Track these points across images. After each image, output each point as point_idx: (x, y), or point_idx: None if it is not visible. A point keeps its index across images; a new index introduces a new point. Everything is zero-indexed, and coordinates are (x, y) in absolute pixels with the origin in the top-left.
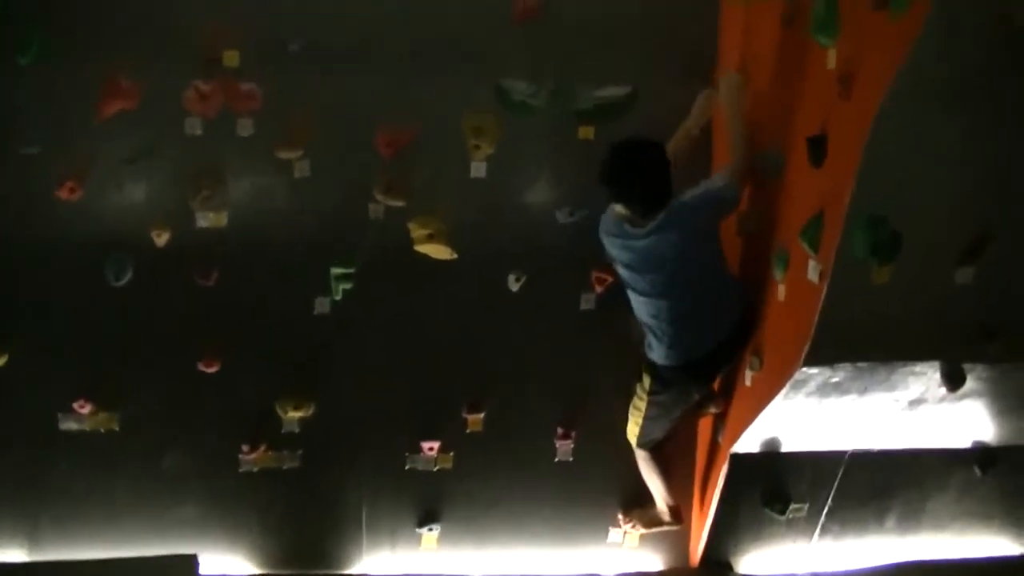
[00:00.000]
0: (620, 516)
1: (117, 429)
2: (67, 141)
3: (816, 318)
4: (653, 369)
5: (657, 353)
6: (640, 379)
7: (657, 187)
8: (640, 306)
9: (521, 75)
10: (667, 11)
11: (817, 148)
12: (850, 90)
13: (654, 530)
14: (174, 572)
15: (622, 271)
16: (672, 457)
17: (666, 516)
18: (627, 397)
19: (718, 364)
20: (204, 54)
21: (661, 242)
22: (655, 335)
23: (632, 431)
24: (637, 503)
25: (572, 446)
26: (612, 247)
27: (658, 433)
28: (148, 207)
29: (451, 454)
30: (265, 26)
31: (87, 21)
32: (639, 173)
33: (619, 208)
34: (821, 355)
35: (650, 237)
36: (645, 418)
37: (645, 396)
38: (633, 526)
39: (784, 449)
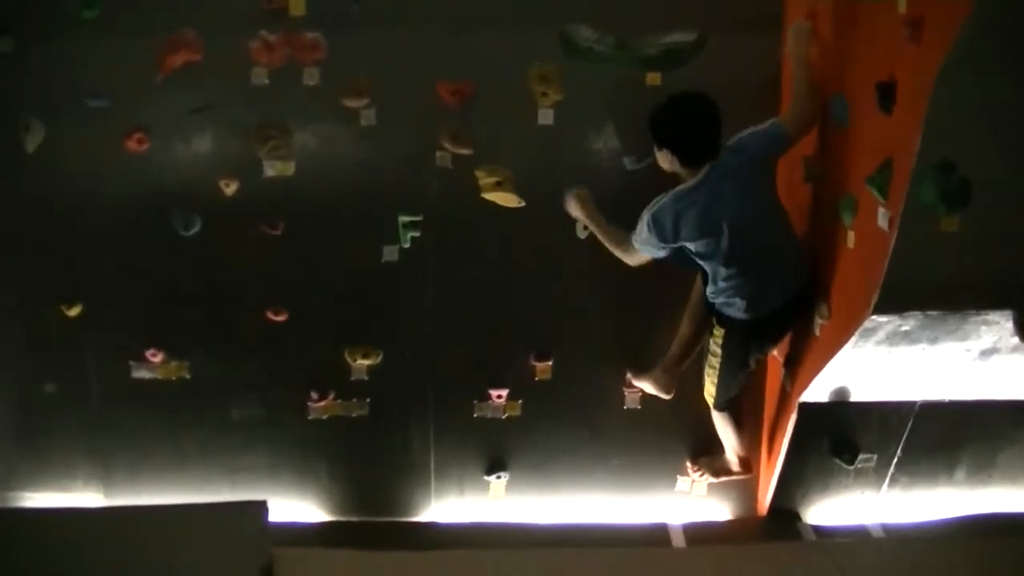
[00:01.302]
0: (688, 464)
1: (188, 377)
2: (134, 93)
3: (886, 266)
4: (728, 323)
5: (734, 309)
6: (712, 334)
7: (715, 136)
8: (713, 271)
9: (586, 22)
10: None
11: (886, 94)
12: (920, 35)
13: (723, 479)
14: (245, 518)
15: (689, 246)
16: (745, 411)
17: (735, 466)
18: (695, 344)
19: (792, 316)
20: (269, 4)
21: (721, 187)
22: (730, 293)
23: (709, 391)
24: (706, 451)
25: (640, 394)
26: (674, 232)
27: (734, 390)
28: (215, 158)
29: (519, 402)
30: None
31: None
32: (708, 126)
33: (669, 163)
34: (891, 303)
35: (708, 185)
36: (721, 375)
37: (719, 352)
38: (701, 474)
39: (853, 399)
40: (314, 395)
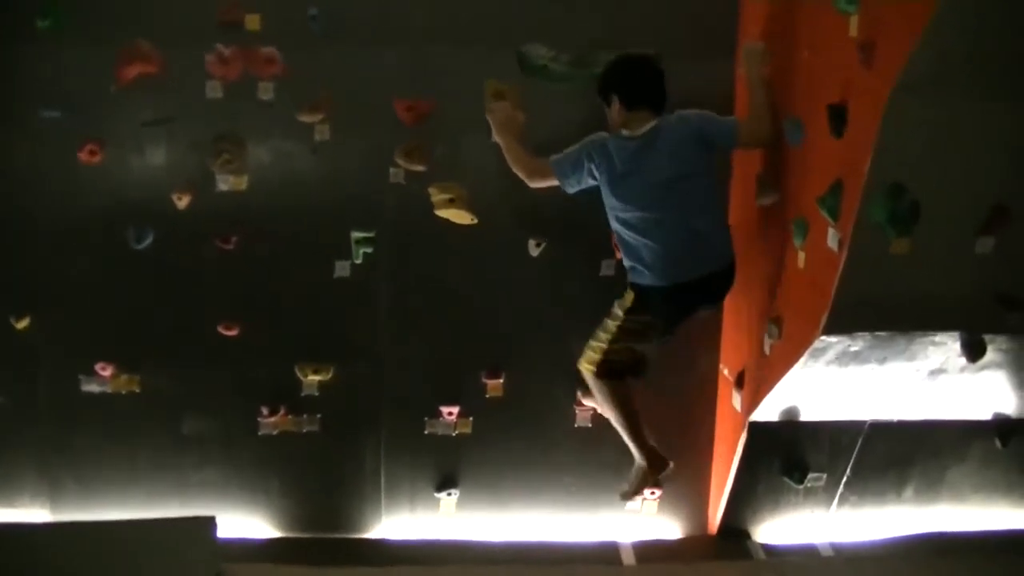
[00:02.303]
0: (623, 494)
1: (138, 391)
2: (88, 105)
3: (836, 286)
4: (638, 289)
5: (647, 275)
6: (621, 297)
7: (661, 90)
8: (633, 225)
9: (542, 40)
10: None
11: (838, 116)
12: (871, 59)
13: (649, 490)
14: (193, 533)
15: (612, 190)
16: (633, 396)
17: (647, 465)
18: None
19: (703, 297)
20: (225, 18)
21: (657, 143)
22: (646, 256)
23: (591, 358)
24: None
25: (591, 412)
26: (602, 157)
27: (622, 356)
28: (169, 171)
29: (470, 419)
30: None
31: None
32: (651, 74)
33: (617, 114)
34: (840, 324)
35: (646, 138)
36: (612, 340)
37: (621, 315)
38: (638, 498)
39: (803, 418)
40: (264, 410)
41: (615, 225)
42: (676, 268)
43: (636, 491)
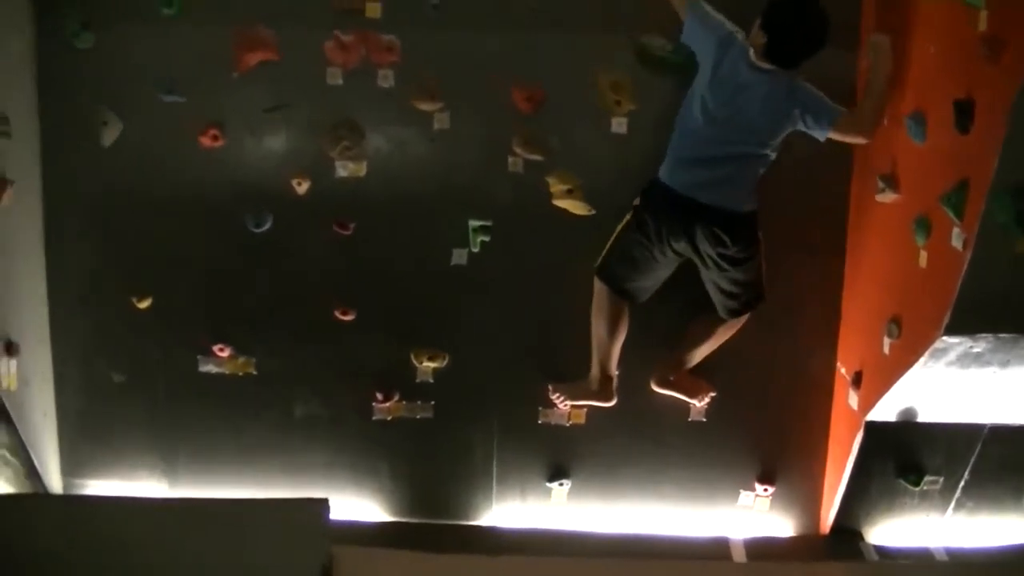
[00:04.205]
0: (549, 388)
1: (254, 373)
2: (210, 90)
3: (959, 286)
4: (649, 188)
5: (665, 168)
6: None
7: (803, 52)
8: (691, 127)
9: (660, 32)
10: None
11: (964, 112)
12: (999, 54)
13: (581, 403)
14: (306, 515)
15: (703, 86)
16: (622, 320)
17: (595, 386)
18: (761, 362)
19: (696, 222)
20: (345, 5)
21: (760, 88)
22: (679, 157)
23: (603, 257)
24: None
25: (706, 406)
26: (724, 49)
27: (620, 270)
28: (288, 156)
29: (584, 410)
30: None
31: None
32: (809, 34)
33: (754, 37)
34: (963, 324)
35: (755, 76)
36: (617, 238)
37: (629, 215)
38: (560, 400)
39: (921, 419)
40: (379, 395)
41: (685, 108)
42: (683, 174)
43: (568, 397)
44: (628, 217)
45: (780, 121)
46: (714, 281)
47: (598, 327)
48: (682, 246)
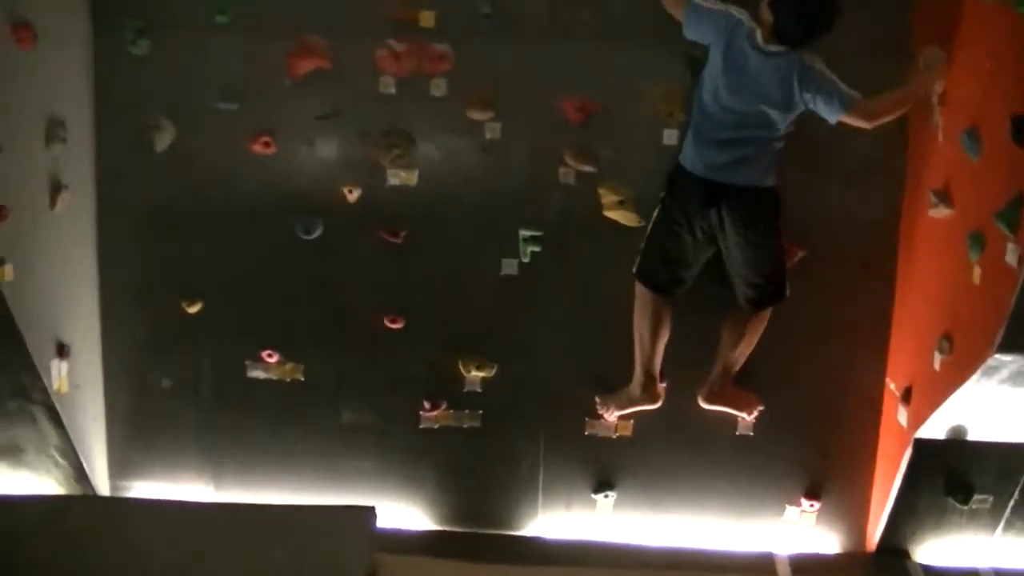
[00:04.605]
0: (597, 400)
1: (302, 379)
2: (263, 98)
3: (1012, 303)
4: (672, 176)
5: (685, 153)
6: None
7: (815, 29)
8: (706, 111)
9: None
10: None
11: (1021, 128)
12: None
13: (629, 411)
14: (353, 522)
15: (715, 72)
16: (664, 321)
17: (638, 388)
18: (810, 377)
19: (726, 205)
20: (399, 15)
21: (770, 71)
22: (697, 141)
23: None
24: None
25: (754, 420)
26: (731, 35)
27: (654, 263)
28: (340, 164)
29: (631, 422)
30: None
31: None
32: (817, 16)
33: (763, 17)
34: (1016, 342)
35: (764, 59)
36: (649, 235)
37: (657, 210)
38: (608, 411)
39: (971, 438)
40: (427, 404)
41: (699, 93)
42: (703, 155)
43: (615, 407)
44: (656, 212)
45: (790, 103)
46: (737, 271)
47: (641, 327)
48: (708, 224)
